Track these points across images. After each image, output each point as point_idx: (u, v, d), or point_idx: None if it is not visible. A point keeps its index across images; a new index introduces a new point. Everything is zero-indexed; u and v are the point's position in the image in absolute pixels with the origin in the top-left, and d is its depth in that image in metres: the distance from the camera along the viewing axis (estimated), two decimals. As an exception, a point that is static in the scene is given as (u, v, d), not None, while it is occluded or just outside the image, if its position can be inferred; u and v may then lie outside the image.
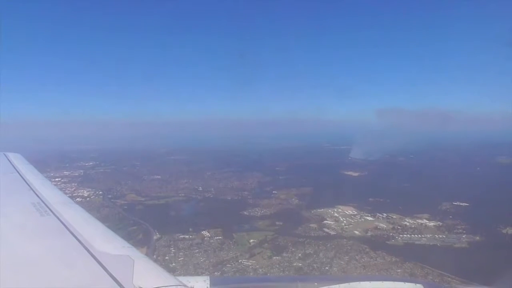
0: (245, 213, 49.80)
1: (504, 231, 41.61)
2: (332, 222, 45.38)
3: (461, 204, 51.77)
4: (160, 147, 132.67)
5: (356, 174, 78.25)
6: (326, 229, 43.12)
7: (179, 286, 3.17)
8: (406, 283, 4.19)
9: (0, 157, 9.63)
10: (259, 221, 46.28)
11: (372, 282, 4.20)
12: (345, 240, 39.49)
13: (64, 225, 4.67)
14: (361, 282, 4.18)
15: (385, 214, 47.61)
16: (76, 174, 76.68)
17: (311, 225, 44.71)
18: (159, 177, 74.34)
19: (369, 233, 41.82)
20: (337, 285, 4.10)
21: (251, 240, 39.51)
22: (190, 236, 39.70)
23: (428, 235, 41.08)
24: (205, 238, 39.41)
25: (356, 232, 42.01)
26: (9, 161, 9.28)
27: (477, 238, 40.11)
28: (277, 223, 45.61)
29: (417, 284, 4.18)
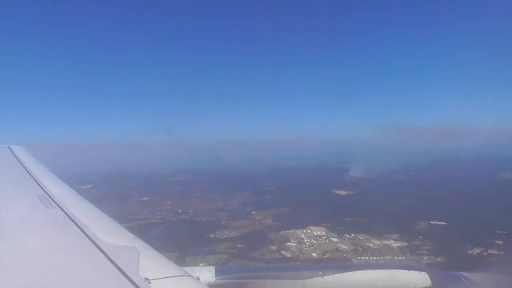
0: (211, 235, 49.15)
1: (470, 252, 39.34)
2: (294, 244, 44.19)
3: (438, 223, 49.56)
4: (165, 168, 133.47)
5: (345, 193, 76.24)
6: (284, 252, 42.03)
7: (185, 276, 3.07)
8: (411, 270, 4.23)
9: (3, 150, 9.64)
10: (220, 244, 45.65)
11: (376, 270, 4.24)
12: (298, 263, 38.25)
13: (70, 217, 4.58)
14: (365, 271, 4.23)
15: (353, 235, 46.01)
16: (67, 197, 78.04)
17: (272, 247, 43.71)
18: (147, 198, 74.80)
19: (326, 255, 40.46)
20: (341, 274, 4.13)
21: (201, 264, 38.74)
22: (142, 260, 39.44)
23: (388, 257, 39.29)
24: (156, 262, 39.06)
25: (314, 255, 40.77)
26: (13, 153, 9.26)
27: (439, 259, 38.12)
28: (238, 245, 44.83)
29: (421, 272, 4.22)
